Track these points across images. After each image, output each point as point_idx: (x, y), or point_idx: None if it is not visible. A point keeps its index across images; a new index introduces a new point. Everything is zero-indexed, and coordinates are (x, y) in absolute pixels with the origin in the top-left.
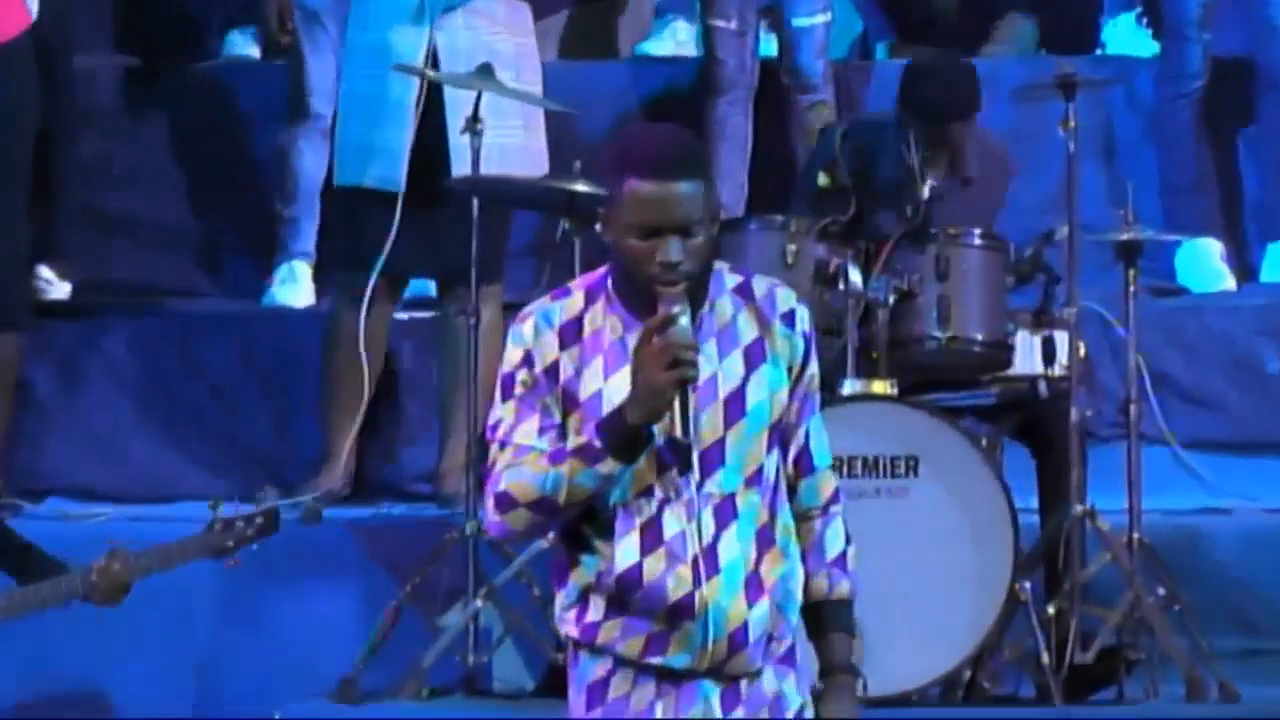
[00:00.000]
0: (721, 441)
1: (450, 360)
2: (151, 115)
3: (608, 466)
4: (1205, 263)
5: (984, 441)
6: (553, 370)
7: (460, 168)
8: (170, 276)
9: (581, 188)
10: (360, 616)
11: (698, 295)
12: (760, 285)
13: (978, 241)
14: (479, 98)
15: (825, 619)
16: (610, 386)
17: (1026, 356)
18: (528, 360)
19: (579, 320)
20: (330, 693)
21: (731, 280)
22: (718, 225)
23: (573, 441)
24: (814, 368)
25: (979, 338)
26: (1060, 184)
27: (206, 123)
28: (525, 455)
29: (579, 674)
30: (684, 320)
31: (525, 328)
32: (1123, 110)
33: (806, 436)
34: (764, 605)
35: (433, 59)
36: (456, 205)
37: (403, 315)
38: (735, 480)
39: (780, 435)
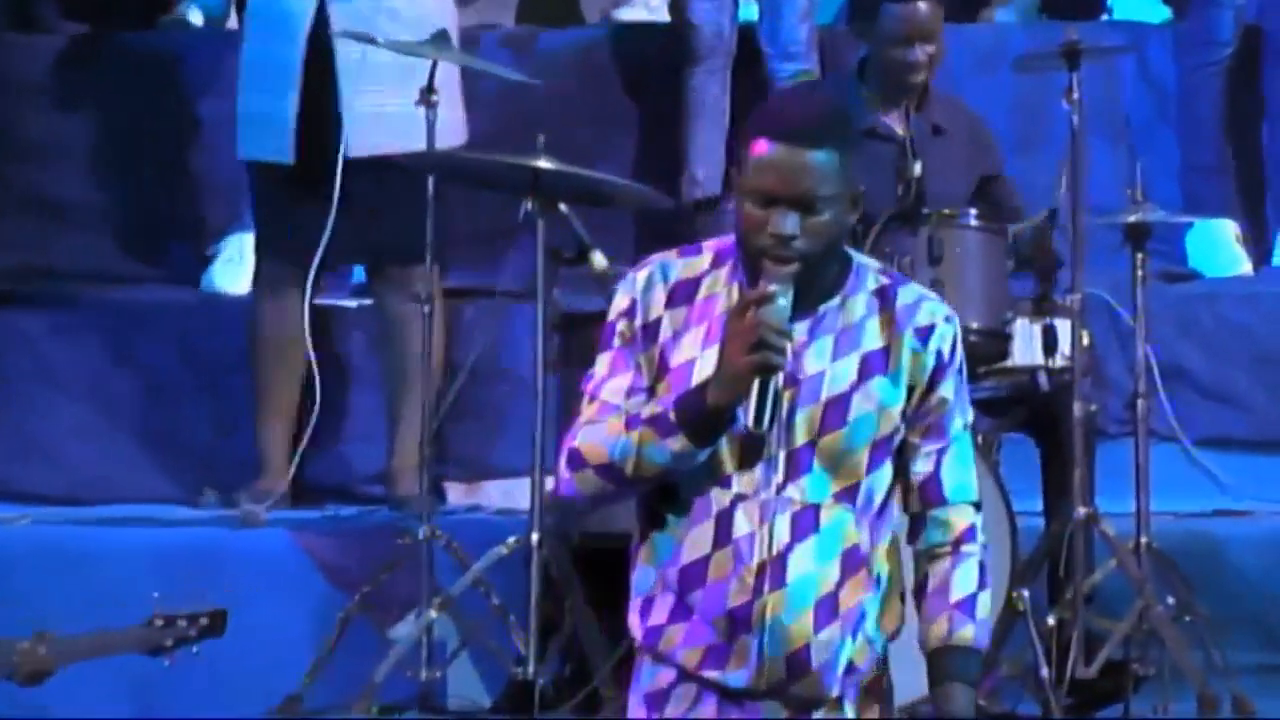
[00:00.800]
0: (811, 447)
1: (393, 351)
2: (86, 87)
3: (679, 444)
4: (1220, 246)
5: (979, 438)
6: (653, 327)
7: (355, 139)
8: (104, 261)
9: (545, 165)
10: (306, 628)
11: (825, 284)
12: (907, 293)
13: (974, 222)
14: (434, 66)
15: (944, 666)
16: (705, 358)
17: (1026, 347)
18: (631, 311)
19: (697, 281)
20: (275, 710)
21: (875, 281)
22: (857, 211)
23: (649, 408)
24: (946, 393)
25: (975, 326)
26: (1064, 159)
27: (147, 95)
28: (608, 414)
29: (640, 679)
30: (782, 301)
31: (639, 276)
32: (1132, 81)
33: (937, 462)
34: (835, 630)
35: (323, 19)
36: (377, 182)
37: (350, 303)
38: (823, 491)
39: (896, 458)
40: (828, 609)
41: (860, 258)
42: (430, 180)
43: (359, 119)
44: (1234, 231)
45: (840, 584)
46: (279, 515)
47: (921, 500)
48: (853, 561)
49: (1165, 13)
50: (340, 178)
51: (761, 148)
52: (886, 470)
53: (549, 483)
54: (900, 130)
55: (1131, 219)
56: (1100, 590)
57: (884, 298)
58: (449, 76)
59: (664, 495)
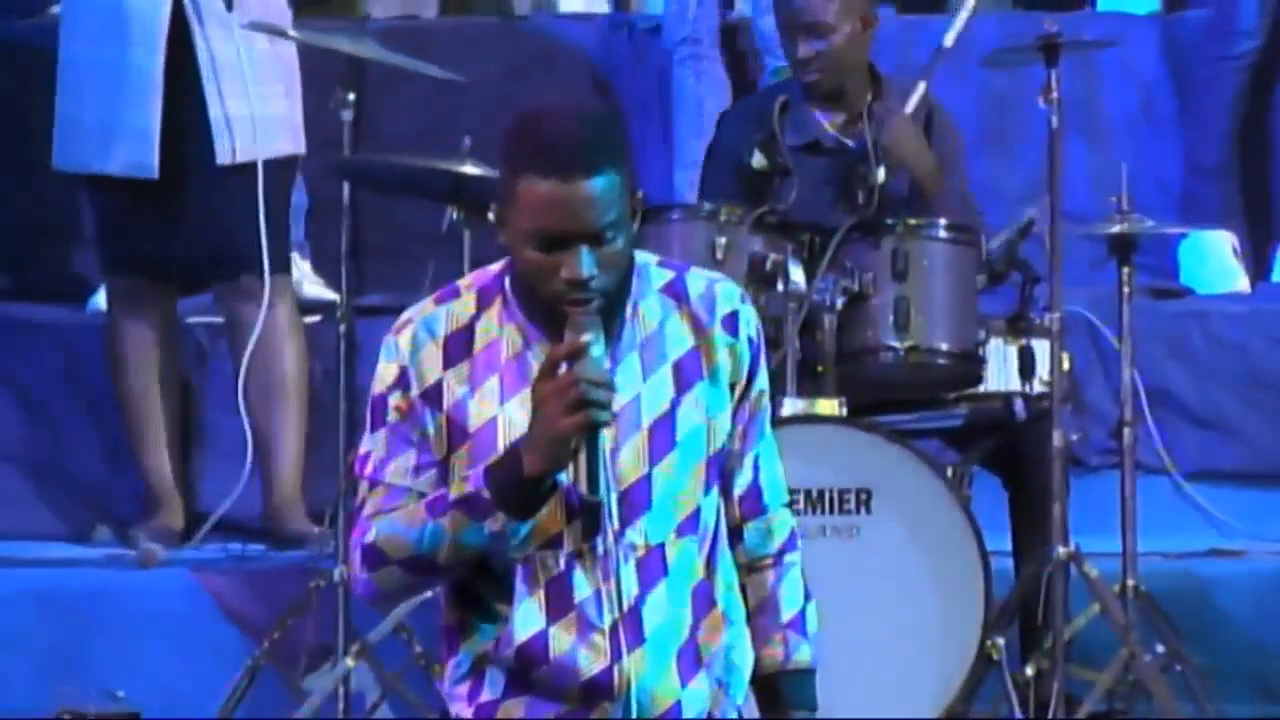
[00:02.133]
0: (647, 480)
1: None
2: None
3: (498, 523)
4: (1214, 259)
5: (950, 471)
6: (434, 393)
7: (223, 145)
8: None
9: (471, 170)
10: (210, 677)
11: (616, 300)
12: (696, 282)
13: (943, 234)
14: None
15: (781, 693)
16: (507, 413)
17: (1000, 370)
18: (403, 380)
19: (469, 330)
20: None
21: (660, 277)
22: (638, 220)
23: (456, 489)
24: (762, 382)
25: (944, 348)
26: (1041, 165)
27: (27, 92)
28: (399, 500)
29: None
30: (596, 350)
31: (401, 339)
32: (1116, 78)
33: (755, 468)
34: (702, 681)
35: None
36: (219, 190)
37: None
38: (665, 528)
39: (720, 469)
40: (690, 658)
41: (637, 254)
42: (345, 186)
43: (231, 121)
44: (1230, 244)
45: (695, 627)
46: (179, 554)
47: (742, 510)
48: (704, 598)
49: (1154, 3)
50: (184, 183)
51: (532, 187)
52: (715, 487)
53: None
54: (848, 140)
55: (1116, 229)
56: (1081, 638)
57: (676, 293)
58: (292, 73)
59: (476, 572)
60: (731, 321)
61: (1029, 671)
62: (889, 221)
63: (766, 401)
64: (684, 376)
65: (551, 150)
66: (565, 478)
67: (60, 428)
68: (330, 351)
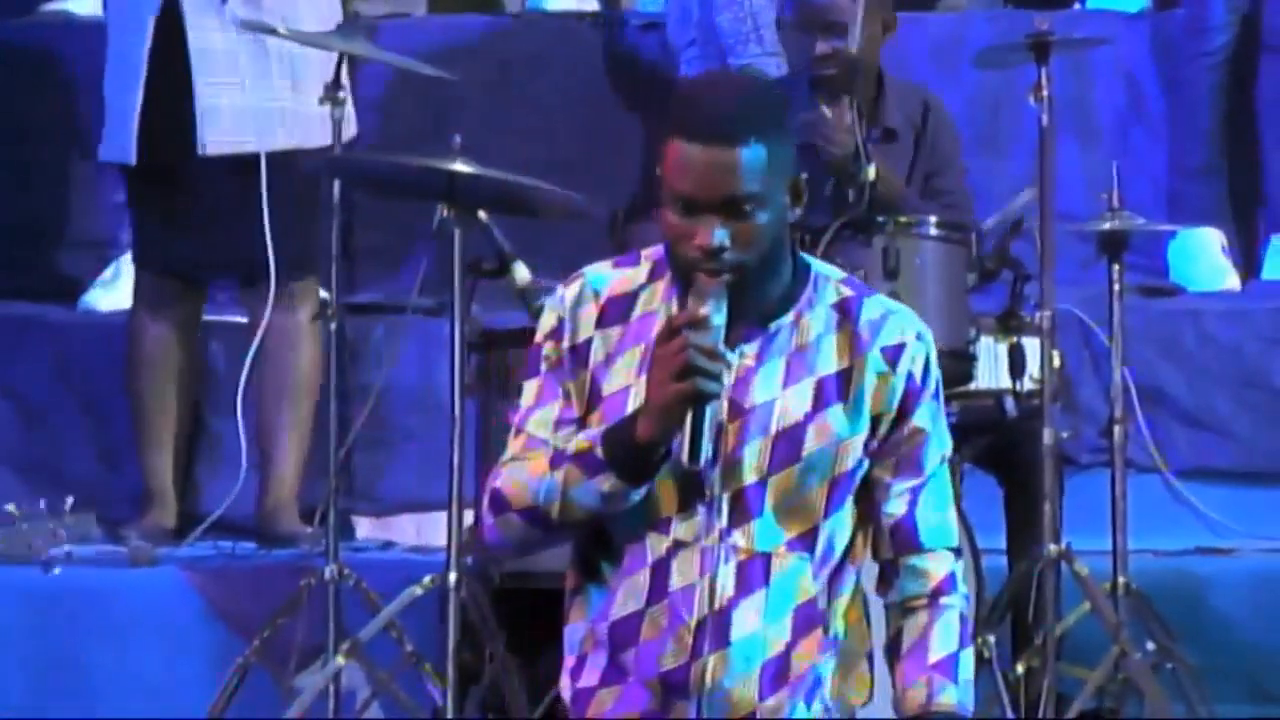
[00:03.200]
0: (761, 486)
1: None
2: None
3: (609, 483)
4: (1205, 257)
5: None
6: (583, 350)
7: (210, 134)
8: None
9: (461, 168)
10: (200, 677)
11: (776, 296)
12: (873, 307)
13: (933, 232)
14: (340, 60)
15: None
16: (641, 386)
17: (991, 368)
18: (559, 331)
19: (633, 296)
20: None
21: (836, 293)
22: (800, 203)
23: (575, 443)
24: (921, 422)
25: (935, 345)
26: (1032, 163)
27: (22, 92)
28: (535, 449)
29: None
30: (716, 320)
31: (568, 291)
32: (1107, 76)
33: (911, 503)
34: (784, 696)
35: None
36: (245, 186)
37: (240, 319)
38: (775, 537)
39: (861, 498)
40: (776, 672)
41: (820, 266)
42: (335, 185)
43: (258, 115)
44: (1220, 241)
45: (792, 644)
46: (170, 553)
47: (894, 546)
48: (807, 619)
49: (1143, 0)
50: (214, 181)
51: (677, 149)
52: (848, 512)
53: (468, 516)
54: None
55: (1107, 227)
56: (1072, 636)
57: (845, 312)
58: (306, 67)
59: (597, 540)
60: (895, 352)
61: (1019, 670)
62: (880, 219)
63: (930, 440)
64: (825, 395)
65: (699, 113)
66: (676, 458)
67: (52, 427)
68: (321, 350)
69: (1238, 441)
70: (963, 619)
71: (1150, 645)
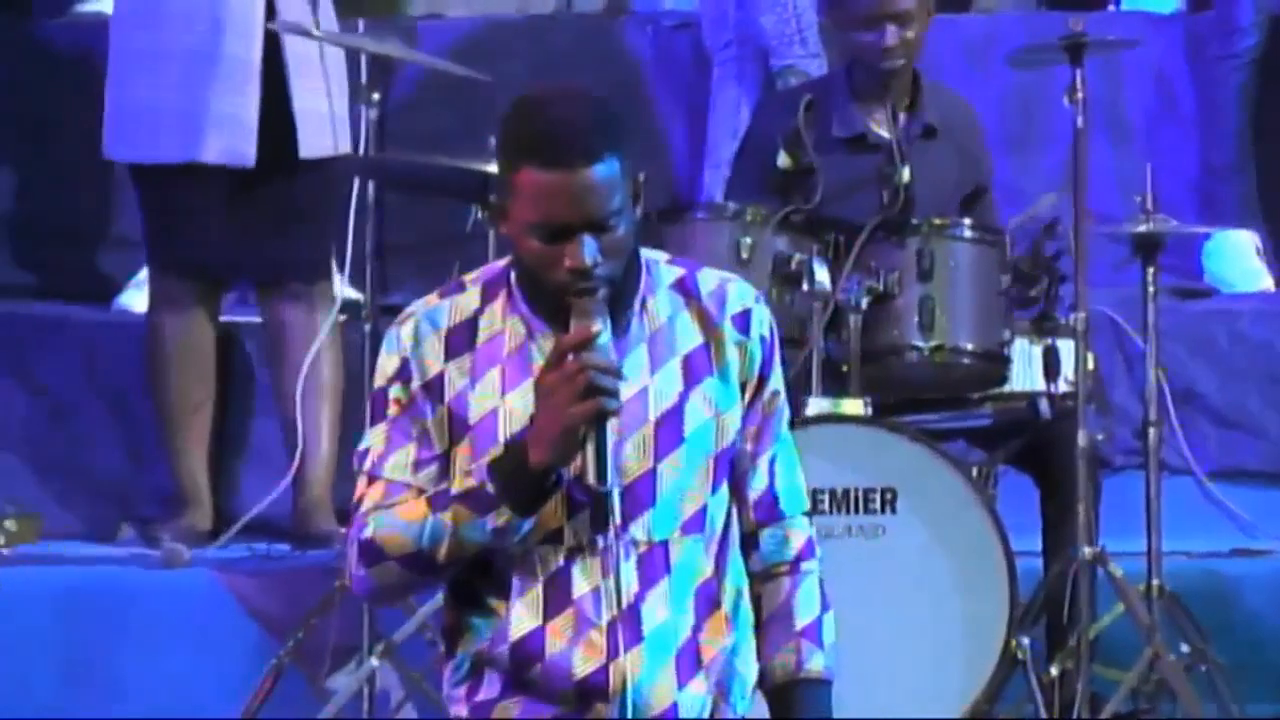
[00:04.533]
0: (652, 475)
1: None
2: None
3: (502, 518)
4: (1239, 259)
5: (975, 471)
6: (435, 385)
7: (309, 139)
8: (1, 272)
9: (495, 169)
10: (233, 678)
11: (623, 293)
12: (708, 280)
13: (968, 233)
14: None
15: (793, 702)
16: (508, 405)
17: (1025, 370)
18: (404, 372)
19: (472, 322)
20: None
21: (669, 274)
22: (640, 205)
23: (459, 483)
24: (776, 383)
25: (969, 348)
26: (1066, 165)
27: (55, 91)
28: (398, 495)
29: None
30: (604, 338)
31: (404, 331)
32: (1141, 77)
33: (771, 473)
34: (700, 684)
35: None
36: (282, 186)
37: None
38: (669, 525)
39: (732, 469)
40: (690, 660)
41: (646, 251)
42: (370, 186)
43: (305, 119)
44: (1254, 243)
45: (698, 628)
46: (203, 554)
47: (756, 515)
48: (708, 599)
49: (1176, 2)
50: (237, 180)
51: (532, 179)
52: (724, 487)
53: None
54: (887, 132)
55: (1141, 229)
56: (1106, 638)
57: (686, 289)
58: (336, 68)
59: (472, 570)
60: (743, 319)
61: (1054, 671)
62: (914, 221)
63: (782, 404)
64: (693, 371)
65: (550, 138)
66: (567, 471)
67: (84, 427)
68: (355, 351)
69: (1271, 443)
70: (821, 583)
71: (1184, 647)
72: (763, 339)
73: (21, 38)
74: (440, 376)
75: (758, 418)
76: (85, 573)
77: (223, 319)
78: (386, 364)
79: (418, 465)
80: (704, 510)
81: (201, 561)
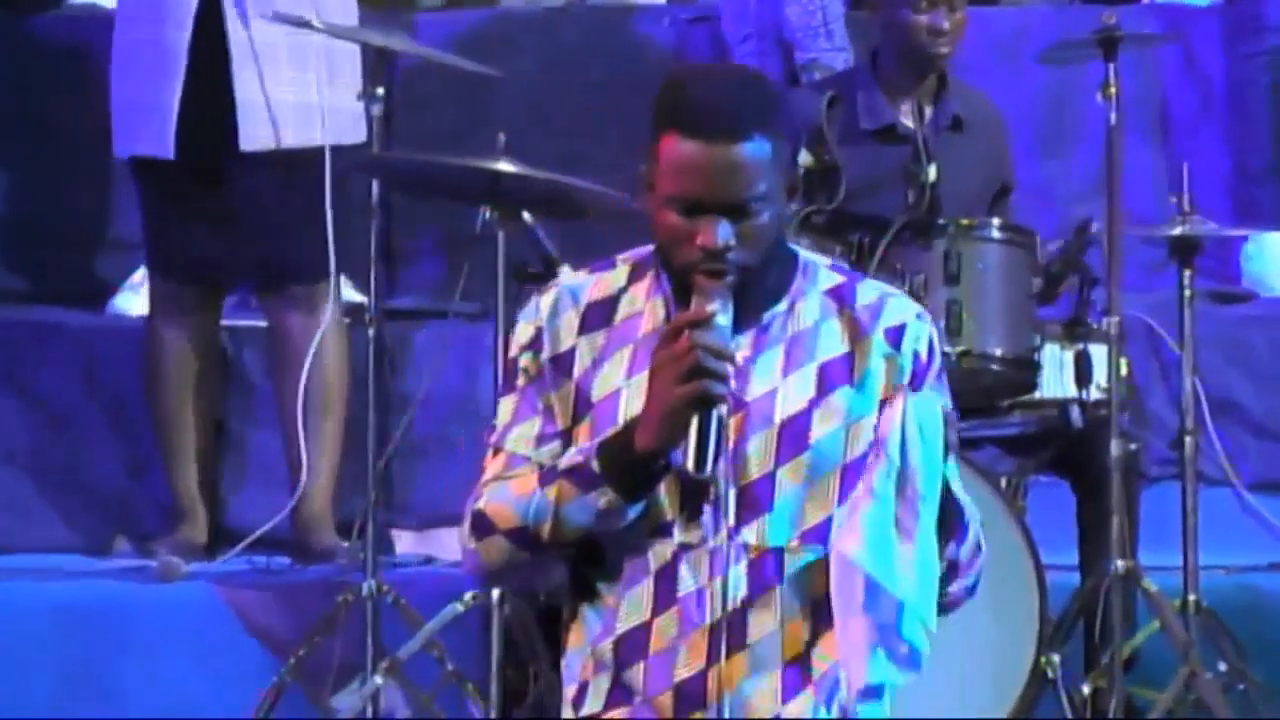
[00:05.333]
0: (770, 480)
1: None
2: None
3: (605, 499)
4: (1278, 261)
5: (1004, 482)
6: (565, 359)
7: (250, 132)
8: None
9: (506, 168)
10: (234, 696)
11: (768, 287)
12: (867, 291)
13: (997, 235)
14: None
15: None
16: (632, 388)
17: (1056, 377)
18: (536, 342)
19: (613, 300)
20: None
21: (827, 279)
22: (796, 197)
23: (567, 458)
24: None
25: (998, 353)
26: (1100, 165)
27: (50, 87)
28: (517, 468)
29: None
30: (722, 320)
31: (544, 300)
32: (1177, 73)
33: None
34: (806, 700)
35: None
36: (279, 185)
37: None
38: (786, 532)
39: (861, 480)
40: (797, 673)
41: (807, 254)
42: (374, 185)
43: (275, 108)
44: None
45: (811, 643)
46: (201, 567)
47: None
48: (826, 615)
49: None
50: (236, 180)
51: (675, 147)
52: None
53: None
54: (913, 125)
55: (1177, 231)
56: (1141, 655)
57: (841, 297)
58: (344, 60)
59: (589, 559)
60: (897, 333)
61: (1087, 690)
62: (941, 222)
63: (951, 434)
64: (828, 379)
65: (698, 108)
66: (680, 466)
67: (79, 436)
68: (359, 357)
69: None
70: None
71: (1221, 665)
72: (916, 354)
73: (12, 33)
74: (571, 351)
75: None
76: (81, 587)
77: (224, 324)
78: (522, 332)
79: (540, 440)
80: (828, 522)
81: (200, 575)
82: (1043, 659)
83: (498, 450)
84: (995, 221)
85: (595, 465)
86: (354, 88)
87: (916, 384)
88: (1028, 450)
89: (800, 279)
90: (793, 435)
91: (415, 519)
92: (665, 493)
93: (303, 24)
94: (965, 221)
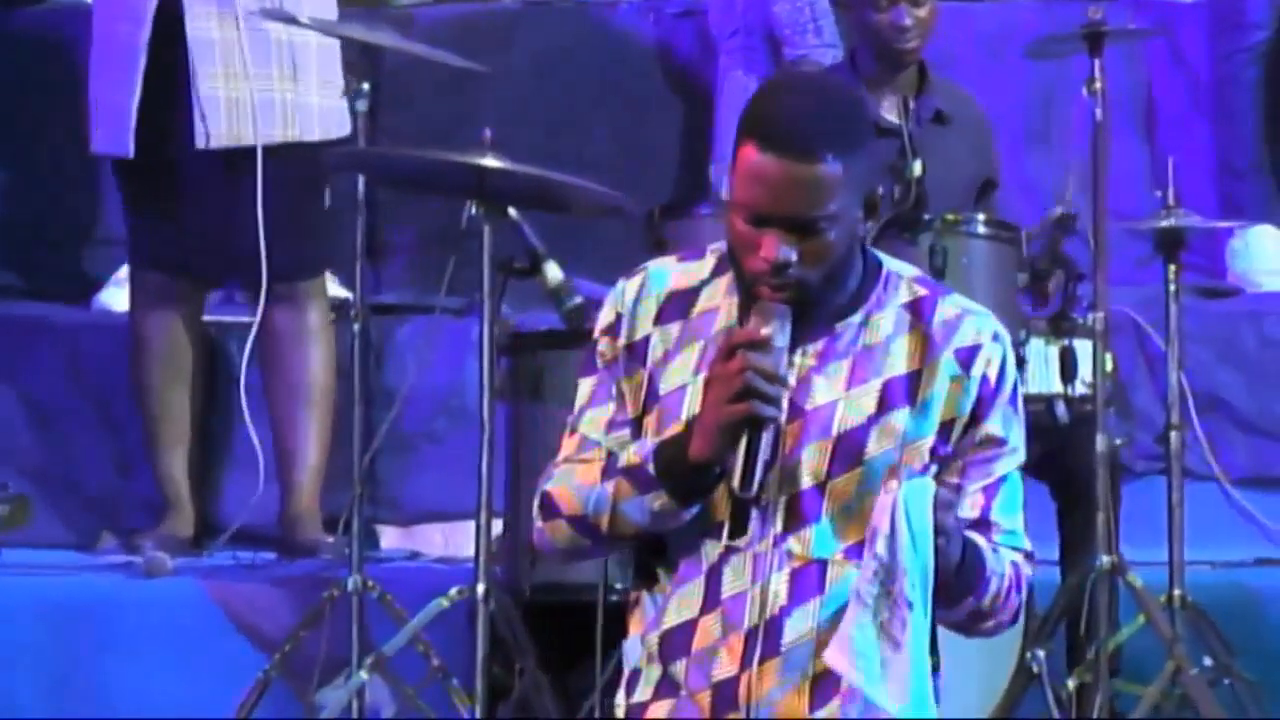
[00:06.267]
0: (819, 491)
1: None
2: None
3: (660, 502)
4: (1265, 256)
5: None
6: (639, 347)
7: (210, 127)
8: None
9: (492, 163)
10: (218, 692)
11: (844, 297)
12: (948, 308)
13: (982, 230)
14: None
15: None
16: (699, 384)
17: (1041, 372)
18: (615, 327)
19: (694, 292)
20: None
21: (910, 292)
22: (874, 215)
23: (627, 455)
24: (994, 428)
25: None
26: (1085, 159)
27: (33, 82)
28: (588, 451)
29: None
30: (779, 342)
31: (629, 285)
32: (1164, 68)
33: (985, 510)
34: (835, 708)
35: None
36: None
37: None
38: (831, 545)
39: None
40: (829, 682)
41: (893, 263)
42: (361, 180)
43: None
44: None
45: None
46: (187, 563)
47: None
48: None
49: None
50: (208, 177)
51: (751, 157)
52: None
53: (496, 525)
54: (897, 119)
55: (1163, 225)
56: (1127, 651)
57: (918, 312)
58: (330, 57)
59: (655, 548)
60: (969, 354)
61: (1072, 685)
62: (927, 217)
63: (1003, 449)
64: (890, 398)
65: (777, 122)
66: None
67: (65, 431)
68: (344, 352)
69: None
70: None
71: (1207, 660)
72: (984, 378)
73: None
74: (646, 340)
75: (967, 455)
76: (67, 582)
77: (207, 318)
78: (604, 314)
79: (611, 425)
80: (874, 538)
81: (186, 571)
82: (1028, 655)
83: (573, 431)
84: (980, 217)
85: (652, 468)
86: (331, 83)
87: (983, 409)
88: None
89: (880, 290)
90: (848, 449)
91: (400, 514)
92: (719, 495)
93: (290, 20)
94: (951, 217)
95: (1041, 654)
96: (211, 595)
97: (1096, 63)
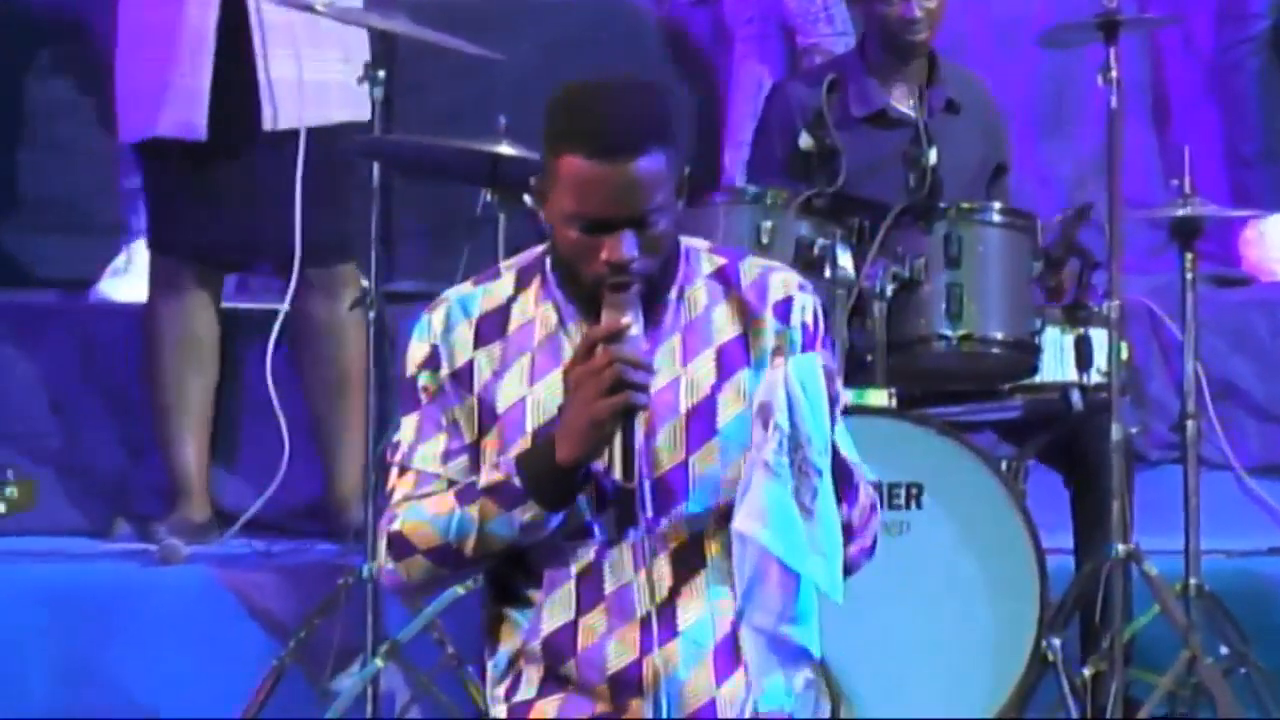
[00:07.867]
0: (683, 468)
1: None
2: None
3: (529, 513)
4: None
5: (1004, 465)
6: (464, 374)
7: (274, 111)
8: None
9: (507, 150)
10: (233, 679)
11: (660, 283)
12: (750, 269)
13: (997, 218)
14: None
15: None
16: (536, 395)
17: (1057, 360)
18: (433, 360)
19: (505, 310)
20: None
21: (710, 263)
22: (683, 198)
23: (486, 477)
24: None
25: (998, 337)
26: (1100, 148)
27: (41, 65)
28: (427, 486)
29: None
30: (635, 331)
31: (435, 317)
32: (1178, 57)
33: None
34: (739, 680)
35: None
36: (280, 164)
37: (273, 306)
38: (704, 518)
39: None
40: (729, 654)
41: (687, 239)
42: (375, 168)
43: (295, 87)
44: None
45: (738, 623)
46: (202, 550)
47: None
48: None
49: None
50: (255, 160)
51: (575, 166)
52: None
53: None
54: (911, 111)
55: (1179, 214)
56: (1141, 639)
57: (726, 279)
58: (356, 39)
59: (509, 563)
60: (784, 307)
61: (1087, 674)
62: (941, 205)
63: (837, 390)
64: (727, 363)
65: (596, 128)
66: (599, 464)
67: (78, 417)
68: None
69: None
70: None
71: (1223, 649)
72: (804, 325)
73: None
74: (469, 365)
75: None
76: (82, 570)
77: (224, 305)
78: (416, 351)
79: (447, 456)
80: None
81: (200, 558)
82: (1043, 643)
83: (404, 469)
84: (996, 205)
85: (517, 481)
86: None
87: (807, 352)
88: (1027, 434)
89: (685, 265)
90: (700, 422)
91: None
92: (582, 495)
93: (304, 7)
94: (966, 205)
95: (1057, 642)
96: (226, 583)
97: (1111, 51)
